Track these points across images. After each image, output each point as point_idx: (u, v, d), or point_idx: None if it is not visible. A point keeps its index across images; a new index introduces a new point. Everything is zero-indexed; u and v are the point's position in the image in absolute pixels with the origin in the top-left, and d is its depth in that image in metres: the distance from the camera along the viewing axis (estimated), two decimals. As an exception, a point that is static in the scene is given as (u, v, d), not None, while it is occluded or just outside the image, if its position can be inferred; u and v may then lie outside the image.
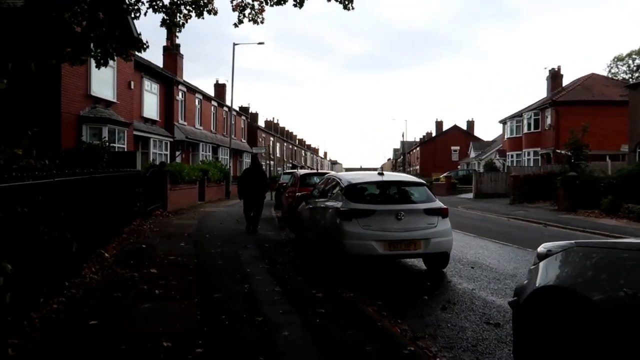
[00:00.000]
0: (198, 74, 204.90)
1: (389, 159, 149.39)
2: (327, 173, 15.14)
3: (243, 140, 44.30)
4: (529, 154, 38.98)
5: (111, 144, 18.08)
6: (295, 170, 20.57)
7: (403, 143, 77.07)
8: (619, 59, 68.99)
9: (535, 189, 25.77)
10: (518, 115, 41.49)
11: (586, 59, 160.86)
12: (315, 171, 15.07)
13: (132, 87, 21.02)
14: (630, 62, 66.97)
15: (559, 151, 34.45)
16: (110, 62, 19.03)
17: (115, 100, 19.22)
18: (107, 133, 17.95)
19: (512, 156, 42.41)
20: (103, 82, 18.70)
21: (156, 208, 16.07)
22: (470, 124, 74.99)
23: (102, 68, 18.83)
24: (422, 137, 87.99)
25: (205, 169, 24.25)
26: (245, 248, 9.59)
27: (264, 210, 13.40)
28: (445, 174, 49.16)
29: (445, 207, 7.78)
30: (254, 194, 12.40)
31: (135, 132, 21.56)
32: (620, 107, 33.97)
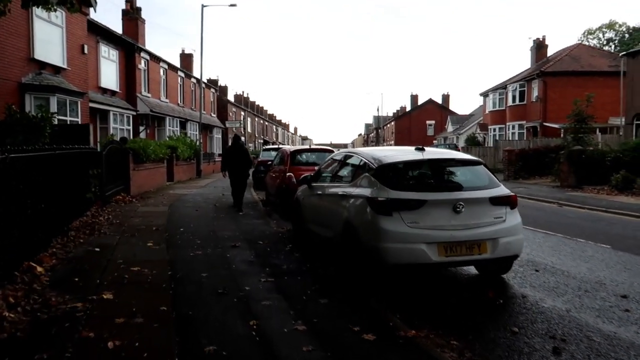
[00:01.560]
0: (161, 44, 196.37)
1: (360, 134, 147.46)
2: (326, 150, 12.96)
3: (213, 115, 41.36)
4: (513, 127, 37.58)
5: (61, 117, 15.41)
6: (283, 146, 18.27)
7: (378, 117, 75.17)
8: (589, 33, 68.68)
9: (529, 164, 24.23)
10: (501, 87, 39.93)
11: (558, 33, 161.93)
12: (307, 147, 12.77)
13: (86, 51, 18.09)
14: (601, 35, 66.76)
15: (547, 124, 33.17)
16: (58, 21, 16.29)
17: (65, 67, 16.35)
18: (56, 104, 15.19)
19: (494, 130, 41.02)
20: (49, 44, 15.78)
21: (117, 192, 13.56)
22: (446, 97, 73.54)
23: (48, 28, 15.47)
24: (395, 111, 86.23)
25: (174, 145, 21.59)
26: (235, 247, 7.34)
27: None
28: (425, 149, 47.38)
29: (513, 194, 5.73)
30: (236, 173, 12.29)
31: (91, 104, 18.73)
32: (608, 78, 32.79)
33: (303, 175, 8.08)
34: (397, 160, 5.79)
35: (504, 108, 39.34)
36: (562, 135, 29.97)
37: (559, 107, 32.92)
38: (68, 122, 15.65)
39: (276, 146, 22.46)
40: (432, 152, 6.19)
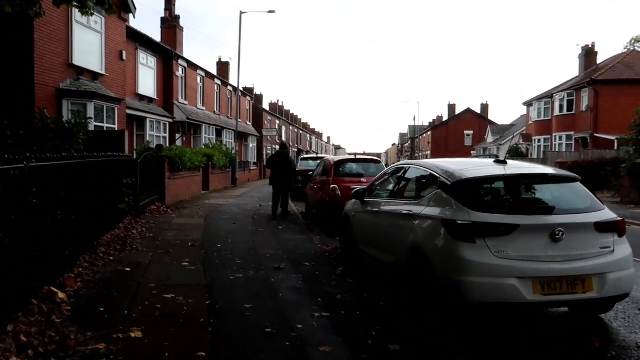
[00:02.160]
0: (197, 53, 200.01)
1: (393, 144, 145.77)
2: (373, 160, 12.06)
3: (248, 123, 41.09)
4: (560, 138, 35.73)
5: (98, 124, 15.09)
6: (326, 156, 17.47)
7: (414, 127, 73.67)
8: (636, 40, 65.55)
9: (583, 178, 22.45)
10: (547, 96, 38.14)
11: (602, 41, 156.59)
12: (352, 157, 11.87)
13: (125, 58, 17.83)
14: (649, 43, 63.65)
15: (598, 135, 31.31)
16: (97, 27, 16.06)
17: (103, 72, 16.09)
18: (93, 110, 14.88)
19: (539, 141, 39.16)
20: (88, 50, 15.55)
21: (152, 201, 13.03)
22: (484, 107, 71.45)
23: (87, 34, 15.28)
24: (432, 120, 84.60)
25: (210, 153, 21.12)
26: (279, 270, 6.53)
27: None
28: (464, 160, 45.60)
29: (621, 218, 4.72)
30: (279, 181, 12.47)
31: (128, 111, 18.46)
32: (666, 87, 30.77)
33: (355, 190, 7.20)
34: (477, 175, 4.84)
35: (549, 118, 37.55)
36: (616, 147, 28.17)
37: (611, 117, 31.05)
38: (105, 129, 15.34)
39: (314, 155, 21.73)
40: (517, 166, 5.22)
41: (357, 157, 11.70)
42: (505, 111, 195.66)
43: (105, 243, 7.52)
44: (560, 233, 4.30)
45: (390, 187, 6.38)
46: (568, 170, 22.91)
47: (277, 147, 50.44)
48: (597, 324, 4.91)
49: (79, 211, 6.20)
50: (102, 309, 4.56)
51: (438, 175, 5.14)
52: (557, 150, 34.81)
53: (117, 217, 9.18)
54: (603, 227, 4.49)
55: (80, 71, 15.07)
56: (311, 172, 13.38)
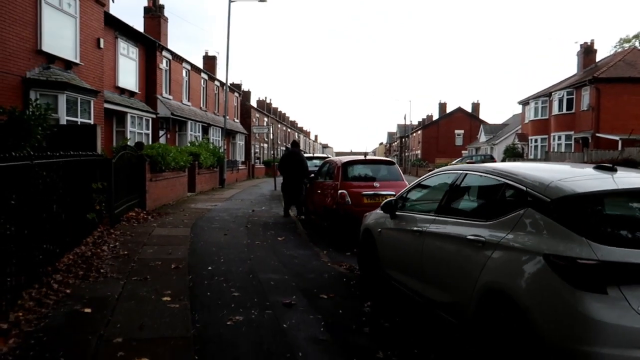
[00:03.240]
0: (182, 51, 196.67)
1: (381, 143, 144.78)
2: (385, 161, 10.55)
3: (236, 120, 39.37)
4: (559, 138, 34.66)
5: (71, 118, 13.42)
6: (329, 156, 15.91)
7: (404, 126, 72.43)
8: (625, 41, 65.33)
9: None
10: (545, 94, 37.07)
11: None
12: (361, 158, 10.27)
13: (102, 46, 16.12)
14: (637, 43, 63.43)
15: (600, 135, 30.26)
16: (70, 10, 14.31)
17: (78, 61, 14.41)
18: (65, 103, 13.23)
19: (535, 140, 38.13)
20: (60, 35, 13.87)
21: (130, 207, 11.38)
22: (475, 106, 70.50)
23: (59, 17, 13.79)
24: (422, 119, 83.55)
25: (196, 152, 19.45)
26: (290, 307, 4.97)
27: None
28: (458, 160, 44.51)
29: None
30: (289, 181, 12.44)
31: (107, 105, 16.76)
32: (670, 86, 29.85)
33: (387, 201, 5.68)
34: (591, 189, 3.34)
35: (547, 117, 36.49)
36: (620, 147, 27.13)
37: (613, 116, 30.06)
38: (79, 124, 13.65)
39: (310, 155, 20.13)
40: (628, 174, 3.72)
41: (367, 157, 10.15)
42: (497, 110, 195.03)
43: (65, 267, 5.88)
44: None
45: (437, 198, 4.88)
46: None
47: (265, 144, 48.85)
48: None
49: (22, 230, 4.60)
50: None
51: (523, 187, 3.65)
52: (555, 150, 33.76)
53: (83, 229, 7.54)
54: None
55: (51, 59, 13.40)
56: (312, 174, 11.85)
